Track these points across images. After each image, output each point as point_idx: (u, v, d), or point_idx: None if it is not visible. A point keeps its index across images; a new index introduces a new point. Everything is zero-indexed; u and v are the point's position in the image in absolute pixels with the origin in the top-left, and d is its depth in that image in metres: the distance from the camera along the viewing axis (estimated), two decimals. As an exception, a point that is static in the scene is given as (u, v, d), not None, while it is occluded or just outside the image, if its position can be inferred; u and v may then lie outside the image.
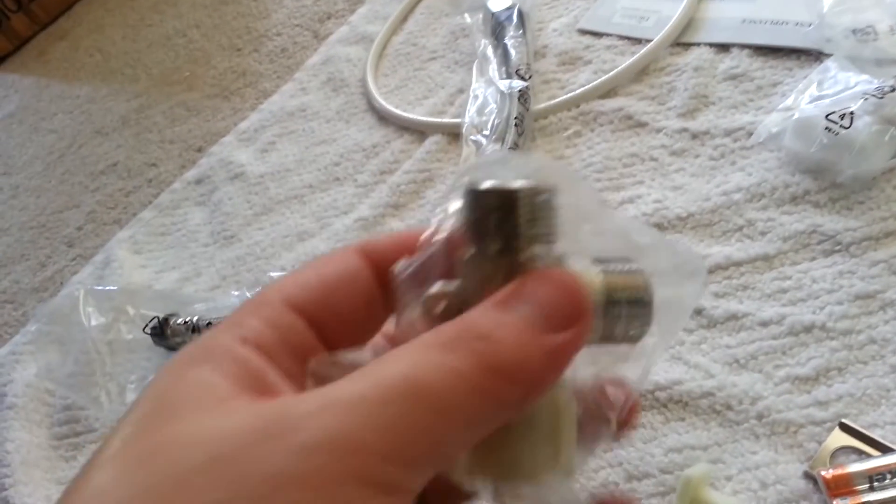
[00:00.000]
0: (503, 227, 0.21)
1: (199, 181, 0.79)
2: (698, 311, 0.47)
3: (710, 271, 0.49)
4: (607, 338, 0.23)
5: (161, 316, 0.61)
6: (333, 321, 0.23)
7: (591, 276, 0.23)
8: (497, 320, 0.20)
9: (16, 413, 0.62)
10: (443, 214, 0.23)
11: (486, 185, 0.21)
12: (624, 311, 0.23)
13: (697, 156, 0.56)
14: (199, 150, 0.83)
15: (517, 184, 0.21)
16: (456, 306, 0.22)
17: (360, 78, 0.80)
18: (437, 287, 0.23)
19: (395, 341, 0.23)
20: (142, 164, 0.86)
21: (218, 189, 0.76)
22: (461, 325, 0.20)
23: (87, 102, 1.01)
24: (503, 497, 0.23)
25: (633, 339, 0.23)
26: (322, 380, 0.21)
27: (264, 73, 0.89)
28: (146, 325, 0.61)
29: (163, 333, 0.60)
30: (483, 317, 0.21)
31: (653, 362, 0.24)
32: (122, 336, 0.62)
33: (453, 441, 0.19)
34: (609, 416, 0.24)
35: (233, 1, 1.03)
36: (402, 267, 0.23)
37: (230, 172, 0.77)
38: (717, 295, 0.48)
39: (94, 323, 0.62)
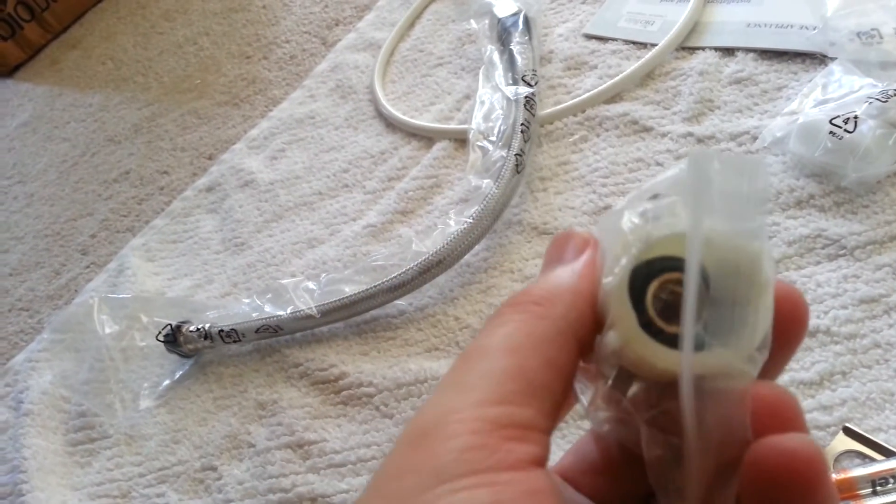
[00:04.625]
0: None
1: (210, 189, 0.79)
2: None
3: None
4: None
5: (174, 323, 0.62)
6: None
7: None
8: None
9: (32, 420, 0.63)
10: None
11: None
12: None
13: (702, 160, 0.57)
14: (210, 157, 0.84)
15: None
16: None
17: (368, 84, 0.81)
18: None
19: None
20: (154, 172, 0.87)
21: (229, 196, 0.77)
22: None
23: (100, 111, 1.02)
24: None
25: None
26: None
27: (273, 81, 0.90)
28: (159, 333, 0.62)
29: (175, 341, 0.61)
30: None
31: None
32: (135, 343, 0.63)
33: None
34: None
35: (242, 8, 1.04)
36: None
37: (241, 180, 0.78)
38: (722, 299, 0.48)
39: (107, 331, 0.63)
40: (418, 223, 0.64)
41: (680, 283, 0.19)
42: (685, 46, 0.65)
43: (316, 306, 0.58)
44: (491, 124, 0.66)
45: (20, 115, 1.12)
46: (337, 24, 0.92)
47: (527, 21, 0.71)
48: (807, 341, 0.44)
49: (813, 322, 0.45)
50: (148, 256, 0.75)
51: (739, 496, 0.19)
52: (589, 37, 0.71)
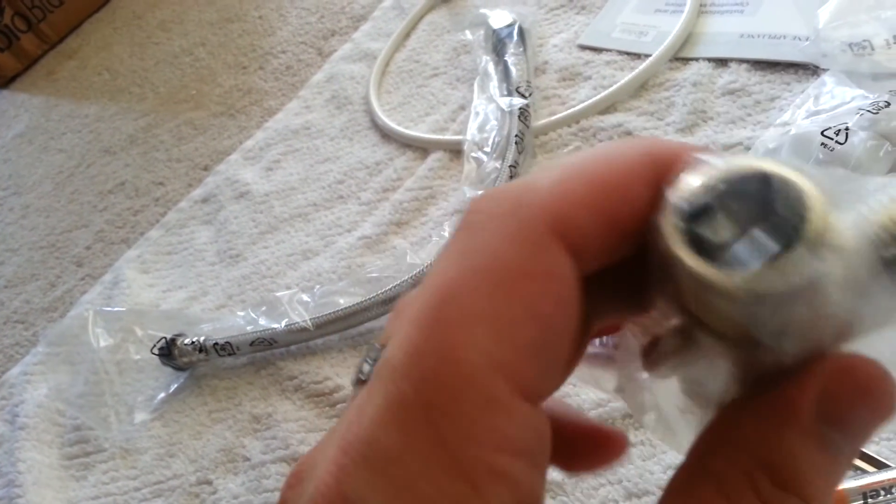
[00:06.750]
0: None
1: (205, 200, 0.80)
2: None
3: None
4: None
5: (168, 336, 0.62)
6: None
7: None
8: None
9: (27, 433, 0.63)
10: None
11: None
12: None
13: (696, 171, 0.57)
14: (206, 168, 0.84)
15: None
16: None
17: (364, 95, 0.81)
18: None
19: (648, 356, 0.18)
20: (149, 183, 0.87)
21: (224, 208, 0.77)
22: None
23: (96, 121, 1.02)
24: None
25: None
26: None
27: (269, 91, 0.90)
28: (154, 346, 0.62)
29: (170, 354, 0.61)
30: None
31: None
32: (130, 356, 0.63)
33: None
34: None
35: (238, 19, 1.05)
36: None
37: (236, 191, 0.78)
38: (715, 311, 0.48)
39: (102, 344, 0.63)
40: (413, 235, 0.65)
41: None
42: (679, 57, 0.65)
43: (310, 319, 0.58)
44: (485, 135, 0.66)
45: (16, 125, 1.12)
46: (333, 35, 0.93)
47: (521, 32, 0.72)
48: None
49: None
50: (143, 268, 0.75)
51: None
52: (583, 48, 0.72)
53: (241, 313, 0.63)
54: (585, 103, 0.65)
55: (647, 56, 0.66)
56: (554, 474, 0.45)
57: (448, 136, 0.71)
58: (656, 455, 0.44)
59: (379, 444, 0.15)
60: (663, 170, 0.17)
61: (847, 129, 0.49)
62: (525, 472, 0.15)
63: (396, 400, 0.15)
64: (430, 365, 0.15)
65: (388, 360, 0.16)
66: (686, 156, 0.17)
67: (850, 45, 0.56)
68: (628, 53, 0.68)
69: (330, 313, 0.58)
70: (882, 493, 0.36)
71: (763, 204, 0.16)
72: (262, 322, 0.61)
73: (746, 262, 0.15)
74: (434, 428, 0.14)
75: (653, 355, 0.18)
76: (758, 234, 0.15)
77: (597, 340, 0.22)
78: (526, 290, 0.15)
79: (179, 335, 0.62)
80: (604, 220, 0.16)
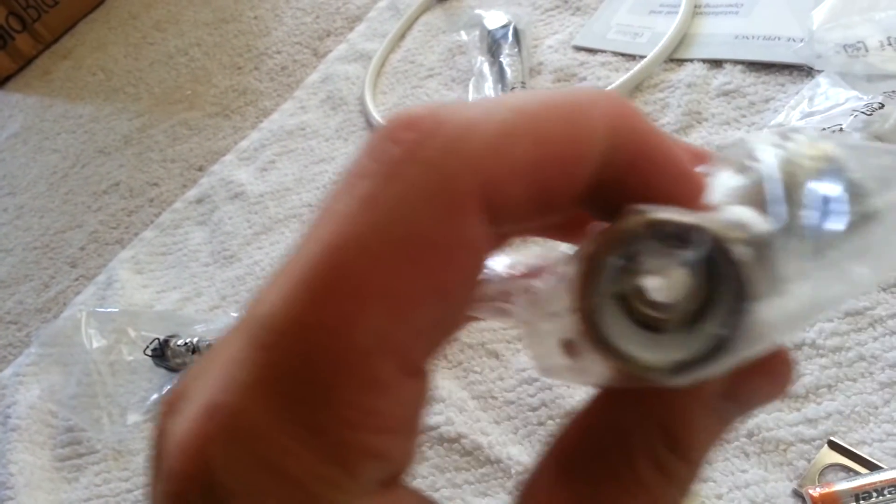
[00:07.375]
0: None
1: (199, 200, 0.79)
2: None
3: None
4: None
5: (162, 338, 0.61)
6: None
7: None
8: None
9: (19, 435, 0.62)
10: None
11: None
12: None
13: (690, 173, 0.57)
14: (200, 169, 0.84)
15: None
16: None
17: (359, 96, 0.81)
18: None
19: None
20: (143, 184, 0.87)
21: (218, 208, 0.77)
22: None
23: (90, 122, 1.02)
24: None
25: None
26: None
27: (264, 92, 0.90)
28: (147, 347, 0.62)
29: (163, 355, 0.61)
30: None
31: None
32: (123, 358, 0.63)
33: None
34: None
35: (233, 19, 1.04)
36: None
37: (230, 192, 0.78)
38: (708, 313, 0.48)
39: (95, 345, 0.63)
40: (407, 235, 0.64)
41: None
42: (673, 58, 0.65)
43: (304, 320, 0.58)
44: (480, 136, 0.66)
45: (10, 126, 1.12)
46: (328, 35, 0.92)
47: (517, 33, 0.72)
48: (793, 354, 0.44)
49: (799, 335, 0.45)
50: (137, 269, 0.75)
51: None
52: (578, 48, 0.72)
53: (235, 314, 0.62)
54: (580, 104, 0.65)
55: (642, 57, 0.66)
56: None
57: (443, 137, 0.70)
58: (649, 456, 0.44)
59: (246, 417, 0.14)
60: (623, 152, 0.16)
61: (841, 130, 0.49)
62: (400, 446, 0.15)
63: (270, 371, 0.14)
64: (316, 341, 0.14)
65: (264, 319, 0.14)
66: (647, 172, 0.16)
67: (844, 46, 0.56)
68: (623, 55, 0.68)
69: (323, 314, 0.58)
70: (874, 494, 0.36)
71: (704, 274, 0.14)
72: (256, 323, 0.61)
73: (681, 345, 0.14)
74: (310, 409, 0.14)
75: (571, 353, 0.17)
76: (701, 325, 0.14)
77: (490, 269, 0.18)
78: (435, 264, 0.14)
79: (173, 336, 0.62)
80: (541, 193, 0.15)
